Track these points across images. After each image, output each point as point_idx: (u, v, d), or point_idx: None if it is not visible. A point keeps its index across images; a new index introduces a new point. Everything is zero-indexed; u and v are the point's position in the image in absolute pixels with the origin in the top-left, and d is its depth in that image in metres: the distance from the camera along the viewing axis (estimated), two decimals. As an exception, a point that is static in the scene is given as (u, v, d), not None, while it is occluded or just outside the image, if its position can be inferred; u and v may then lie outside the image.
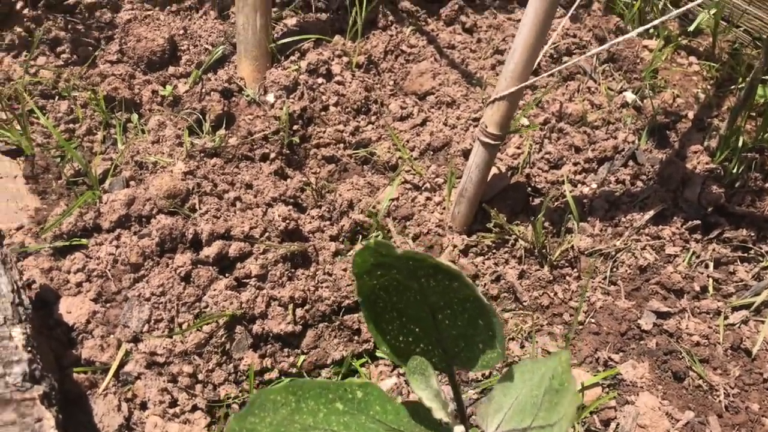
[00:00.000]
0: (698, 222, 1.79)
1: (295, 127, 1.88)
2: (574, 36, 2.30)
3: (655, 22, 1.26)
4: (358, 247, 1.68)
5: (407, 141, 1.95)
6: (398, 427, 0.91)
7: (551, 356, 0.89)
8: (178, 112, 1.88)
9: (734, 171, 1.90)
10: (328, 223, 1.72)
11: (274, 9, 2.15)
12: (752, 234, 1.80)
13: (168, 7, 2.20)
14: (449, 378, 1.01)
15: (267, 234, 1.55)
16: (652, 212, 1.80)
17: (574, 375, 1.43)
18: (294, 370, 1.43)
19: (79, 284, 1.48)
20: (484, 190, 1.69)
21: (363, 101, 2.00)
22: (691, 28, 2.42)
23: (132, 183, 1.68)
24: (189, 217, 1.53)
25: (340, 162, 1.91)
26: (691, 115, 2.14)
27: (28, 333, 1.19)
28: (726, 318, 1.63)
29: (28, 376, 1.12)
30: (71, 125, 1.87)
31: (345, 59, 2.07)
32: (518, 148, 1.90)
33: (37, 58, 2.00)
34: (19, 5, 2.10)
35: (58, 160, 1.80)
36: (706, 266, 1.74)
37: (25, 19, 2.06)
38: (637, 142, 1.96)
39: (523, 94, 1.85)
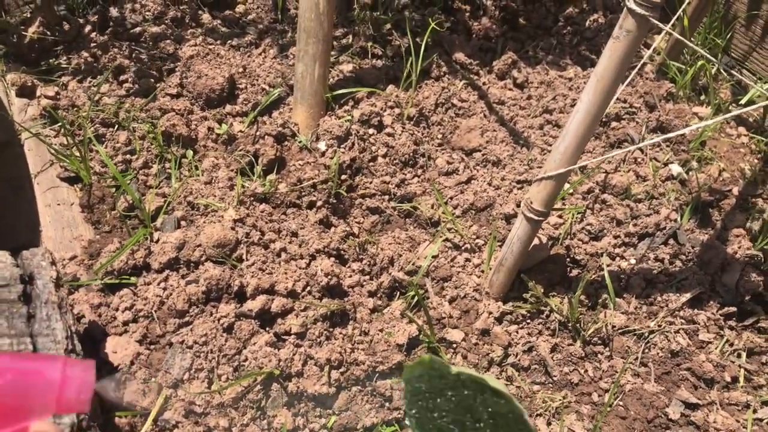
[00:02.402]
0: (734, 309, 1.80)
1: (343, 177, 1.92)
2: (625, 101, 2.31)
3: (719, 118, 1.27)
4: (395, 304, 1.71)
5: (451, 198, 1.98)
6: None
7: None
8: (232, 152, 1.94)
9: (775, 259, 1.90)
10: (367, 278, 1.76)
11: (332, 53, 2.19)
12: (788, 326, 1.80)
13: (229, 41, 2.26)
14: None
15: (309, 288, 1.59)
16: (688, 295, 1.81)
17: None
18: None
19: (126, 323, 1.54)
20: (523, 260, 1.72)
21: (411, 154, 2.03)
22: (743, 101, 2.41)
23: (183, 223, 1.73)
24: (235, 268, 1.58)
25: (383, 213, 1.95)
26: (736, 191, 2.13)
27: (79, 382, 1.24)
28: (755, 412, 1.64)
29: (76, 426, 1.17)
30: (128, 156, 1.93)
31: (397, 111, 2.10)
32: (560, 217, 1.92)
33: (101, 85, 2.07)
34: (87, 29, 2.18)
35: (113, 190, 1.86)
36: (739, 356, 1.75)
37: (92, 44, 2.14)
38: (679, 220, 1.97)
39: (569, 175, 1.87)
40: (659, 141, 2.23)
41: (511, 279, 1.75)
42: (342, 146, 1.96)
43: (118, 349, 1.49)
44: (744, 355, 1.75)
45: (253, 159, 1.92)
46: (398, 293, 1.77)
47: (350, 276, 1.72)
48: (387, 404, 1.51)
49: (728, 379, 1.68)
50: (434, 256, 1.84)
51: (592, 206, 1.97)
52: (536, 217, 1.59)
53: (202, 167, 1.89)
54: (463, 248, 1.88)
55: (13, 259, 1.36)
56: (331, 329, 1.56)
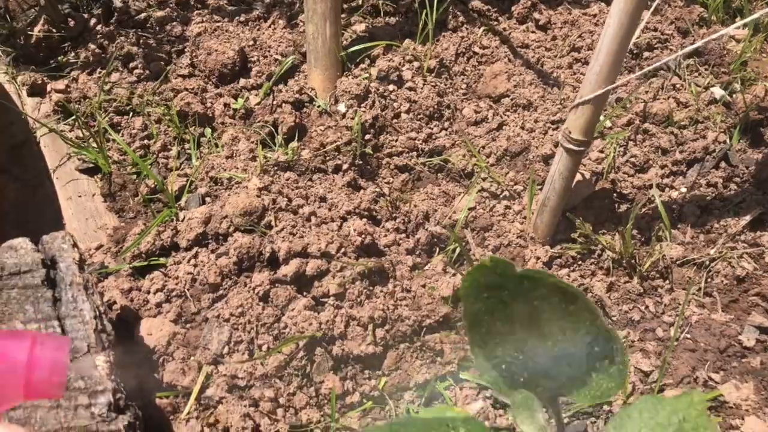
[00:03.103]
0: (800, 227, 1.67)
1: (367, 137, 1.84)
2: (655, 29, 2.19)
3: (748, 20, 1.16)
4: (435, 260, 1.63)
5: (483, 147, 1.89)
6: (499, 471, 0.85)
7: (678, 396, 0.82)
8: (251, 125, 1.87)
9: (839, 170, 1.76)
10: (403, 236, 1.68)
11: (343, 16, 2.11)
12: None
13: (237, 18, 2.20)
14: (553, 409, 0.95)
15: (343, 250, 1.51)
16: (748, 217, 1.68)
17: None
18: (376, 393, 1.39)
19: (158, 305, 1.48)
20: (567, 198, 1.61)
21: (435, 107, 1.94)
22: (782, 16, 2.26)
23: (208, 199, 1.67)
24: (265, 235, 1.51)
25: (413, 171, 1.86)
26: (786, 109, 2.00)
27: (112, 360, 1.18)
28: (836, 332, 1.51)
29: (113, 406, 1.11)
30: (146, 141, 1.88)
31: (416, 64, 2.01)
32: (601, 152, 1.81)
33: (111, 74, 2.02)
34: (92, 22, 2.13)
35: (134, 177, 1.81)
36: (812, 275, 1.62)
37: (98, 36, 2.09)
38: (728, 141, 1.85)
39: (608, 97, 1.76)
40: (697, 65, 2.10)
41: (556, 220, 1.64)
42: (362, 106, 1.87)
43: (153, 330, 1.43)
44: (816, 274, 1.62)
45: (273, 129, 1.85)
46: (437, 249, 1.68)
47: (385, 236, 1.64)
48: (438, 359, 1.43)
49: (803, 300, 1.56)
50: (471, 208, 1.74)
51: (634, 137, 1.86)
52: (576, 148, 1.49)
53: (222, 142, 1.83)
54: (501, 196, 1.78)
55: (34, 245, 1.30)
56: (371, 288, 1.48)
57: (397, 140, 1.88)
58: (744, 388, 1.41)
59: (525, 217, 1.72)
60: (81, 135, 1.87)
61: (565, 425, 1.24)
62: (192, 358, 1.39)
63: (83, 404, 1.09)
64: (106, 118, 1.89)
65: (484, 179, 1.81)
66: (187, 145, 1.88)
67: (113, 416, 1.10)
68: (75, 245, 1.35)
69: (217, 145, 1.85)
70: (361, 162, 1.81)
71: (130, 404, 1.16)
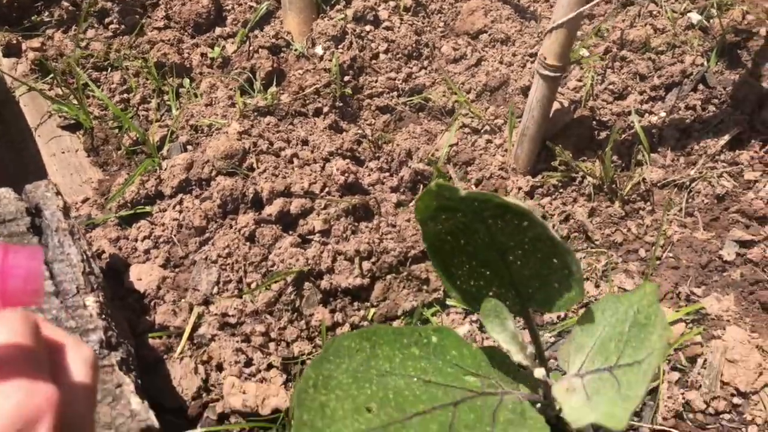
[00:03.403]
0: (779, 144, 1.69)
1: (346, 79, 1.84)
2: (631, -42, 2.17)
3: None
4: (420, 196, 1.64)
5: (462, 84, 1.89)
6: (476, 371, 0.88)
7: (634, 290, 0.85)
8: (229, 73, 1.87)
9: (816, 87, 1.77)
10: (387, 174, 1.69)
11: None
12: (839, 152, 1.68)
13: (209, -32, 2.17)
14: (525, 320, 0.97)
15: (327, 189, 1.53)
16: (727, 137, 1.70)
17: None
18: (365, 323, 1.42)
19: (147, 251, 1.49)
20: (546, 127, 1.62)
21: (413, 46, 1.93)
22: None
23: (189, 147, 1.67)
24: (248, 177, 1.52)
25: (394, 111, 1.86)
26: (763, 31, 1.99)
27: (102, 301, 1.20)
28: (815, 243, 1.54)
29: (105, 343, 1.13)
30: (125, 95, 1.87)
31: (392, 3, 2.00)
32: (579, 80, 1.82)
33: (87, 31, 2.01)
34: (63, -20, 2.10)
35: (116, 131, 1.81)
36: (790, 190, 1.64)
37: (70, -7, 2.07)
38: (706, 64, 1.85)
39: (581, 23, 1.76)
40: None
41: (537, 149, 1.66)
42: (339, 47, 1.87)
43: (143, 276, 1.45)
44: (796, 188, 1.64)
45: (251, 75, 1.84)
46: (421, 186, 1.69)
47: (369, 175, 1.65)
48: (425, 287, 1.45)
49: (782, 214, 1.58)
50: (453, 144, 1.75)
51: (612, 64, 1.86)
52: (552, 74, 1.49)
53: (200, 90, 1.83)
54: (482, 131, 1.79)
55: (17, 194, 1.31)
56: (356, 224, 1.50)
57: (376, 81, 1.88)
58: (725, 300, 1.44)
59: (506, 150, 1.73)
60: (61, 92, 1.87)
61: (539, 334, 1.27)
62: (183, 300, 1.42)
63: (76, 342, 1.10)
64: (85, 75, 1.88)
65: (464, 115, 1.81)
66: (166, 97, 1.88)
67: (105, 353, 1.12)
68: (59, 193, 1.36)
69: (196, 95, 1.85)
70: (341, 104, 1.82)
71: (121, 341, 1.18)
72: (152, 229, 1.52)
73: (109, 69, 1.94)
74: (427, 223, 0.89)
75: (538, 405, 0.92)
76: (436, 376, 0.83)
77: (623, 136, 1.74)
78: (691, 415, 1.28)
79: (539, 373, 0.91)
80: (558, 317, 1.44)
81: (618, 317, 0.85)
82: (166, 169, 1.58)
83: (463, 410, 0.79)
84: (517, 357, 0.91)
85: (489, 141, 1.77)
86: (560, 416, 0.93)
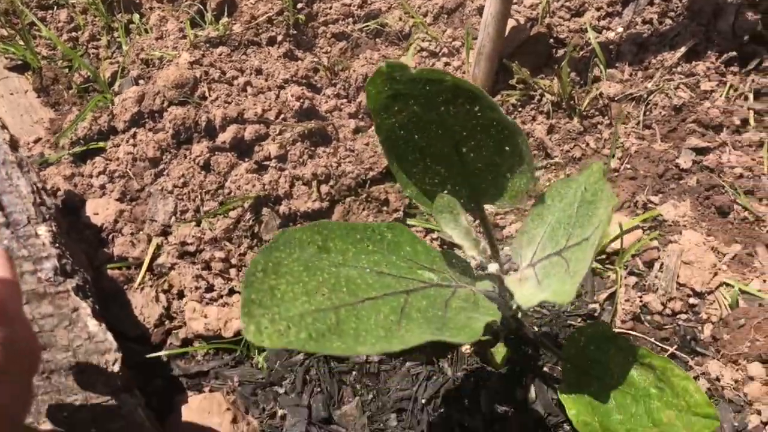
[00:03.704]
0: (734, 54, 1.68)
1: (299, 6, 1.80)
2: None
3: None
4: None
5: (419, 7, 1.86)
6: (431, 266, 0.88)
7: (583, 170, 0.85)
8: (179, 6, 1.81)
9: (771, -5, 1.77)
10: (345, 101, 1.67)
11: None
12: (794, 59, 1.69)
13: None
14: (479, 215, 0.97)
15: (282, 115, 1.50)
16: (683, 49, 1.69)
17: (612, 219, 1.38)
18: (326, 245, 1.41)
19: (102, 186, 1.47)
20: (503, 44, 1.61)
21: (368, -28, 1.89)
22: None
23: (141, 81, 1.64)
24: (200, 106, 1.49)
25: (351, 38, 1.83)
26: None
27: (54, 230, 1.18)
28: (770, 148, 1.55)
29: (59, 270, 1.11)
30: (74, 33, 1.82)
31: (344, -71, 1.95)
32: (536, -2, 1.80)
33: (28, -31, 1.93)
34: None
35: (66, 70, 1.76)
36: (746, 98, 1.65)
37: (9, -69, 1.98)
38: (663, -23, 1.83)
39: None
40: None
41: (494, 67, 1.64)
42: (292, -26, 1.82)
43: (99, 210, 1.43)
44: (751, 97, 1.65)
45: (201, 6, 1.80)
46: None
47: (326, 102, 1.62)
48: (385, 208, 1.45)
49: (737, 122, 1.59)
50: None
51: (568, -19, 1.84)
52: (505, -13, 1.47)
53: (150, 24, 1.78)
54: (440, 54, 1.77)
55: (-40, 129, 1.28)
56: (313, 149, 1.48)
57: (331, 8, 1.84)
58: (681, 206, 1.45)
59: (465, 72, 1.71)
60: (6, 33, 1.81)
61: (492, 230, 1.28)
62: (141, 231, 1.40)
63: (28, 270, 1.10)
64: (30, 13, 1.82)
65: (422, 39, 1.79)
66: (116, 33, 1.83)
67: (60, 279, 1.11)
68: (4, 126, 1.33)
69: (146, 30, 1.80)
70: (295, 32, 1.78)
71: (77, 269, 1.17)
72: (107, 164, 1.49)
73: (55, 7, 1.88)
74: (380, 113, 0.88)
75: (492, 298, 0.93)
76: (390, 268, 0.83)
77: (581, 53, 1.73)
78: (648, 317, 1.30)
79: (493, 267, 0.92)
80: (515, 213, 1.45)
81: (567, 200, 0.85)
82: (117, 104, 1.55)
83: (415, 297, 0.79)
84: (471, 252, 0.92)
85: (447, 63, 1.75)
86: (513, 305, 0.94)
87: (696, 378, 1.21)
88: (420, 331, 0.73)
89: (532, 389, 1.18)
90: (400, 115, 0.88)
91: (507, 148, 0.87)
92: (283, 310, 0.69)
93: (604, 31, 1.78)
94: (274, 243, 0.76)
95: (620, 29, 1.77)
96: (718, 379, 1.21)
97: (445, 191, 0.95)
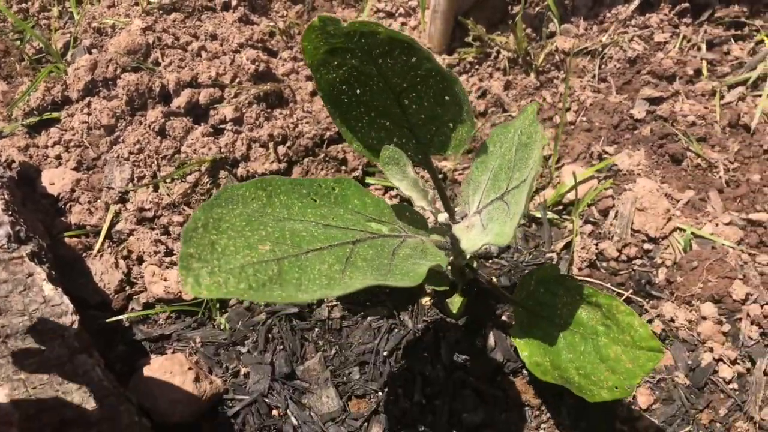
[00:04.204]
0: (687, 5, 1.70)
1: (253, -30, 1.78)
2: None
3: None
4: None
5: (374, -32, 1.85)
6: (379, 218, 0.89)
7: (517, 115, 0.86)
8: (130, -27, 1.79)
9: (722, -54, 1.78)
10: (302, 63, 1.66)
11: None
12: (744, 9, 1.71)
13: None
14: (427, 167, 0.99)
15: (237, 79, 1.49)
16: (637, 1, 1.71)
17: (568, 169, 1.40)
18: (285, 207, 1.42)
19: (58, 156, 1.46)
20: (458, 2, 1.61)
21: (321, -67, 1.87)
22: None
23: (93, 50, 1.61)
24: (153, 72, 1.47)
25: (306, 1, 1.82)
26: None
27: (6, 198, 1.17)
28: (722, 97, 1.58)
29: (13, 237, 1.11)
30: (23, 5, 1.79)
31: None
32: (490, -45, 1.79)
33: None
34: None
35: (17, 42, 1.73)
36: (699, 49, 1.67)
37: None
38: (616, -69, 1.84)
39: None
40: None
41: (450, 25, 1.64)
42: (244, -63, 1.80)
43: (55, 180, 1.42)
44: (704, 47, 1.67)
45: (154, -27, 1.77)
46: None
47: (283, 65, 1.62)
48: (343, 167, 1.45)
49: (691, 72, 1.62)
50: (368, 29, 1.72)
51: (522, -63, 1.83)
52: (456, -58, 1.47)
53: (101, -8, 1.75)
54: (396, 14, 1.77)
55: None
56: (269, 111, 1.48)
57: (285, -29, 1.82)
58: (636, 155, 1.47)
59: (422, 31, 1.71)
60: (-48, 6, 1.77)
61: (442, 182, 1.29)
62: (98, 200, 1.39)
63: (-19, 239, 1.08)
64: (-24, -15, 1.78)
65: (377, 0, 1.78)
66: (67, 3, 1.79)
67: (14, 246, 1.10)
68: (-49, 97, 1.31)
69: (98, 0, 1.77)
70: (250, -4, 1.76)
71: (32, 236, 1.16)
72: (62, 134, 1.48)
73: (3, -22, 1.83)
74: (319, 69, 0.89)
75: (444, 248, 0.94)
76: (337, 221, 0.84)
77: (536, 8, 1.74)
78: (604, 264, 1.32)
79: (442, 217, 0.93)
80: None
81: (506, 146, 0.87)
82: (70, 74, 1.53)
83: (362, 247, 0.80)
84: (420, 203, 0.93)
85: (404, 24, 1.74)
86: (464, 255, 0.96)
87: (650, 321, 1.24)
88: (363, 277, 0.75)
89: (491, 337, 1.21)
90: (340, 70, 0.88)
91: (447, 97, 0.88)
92: (224, 263, 0.69)
93: (559, -14, 1.78)
94: (215, 199, 0.76)
95: (575, -16, 1.77)
96: (672, 321, 1.24)
97: (392, 144, 0.95)
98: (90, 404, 0.94)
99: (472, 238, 0.85)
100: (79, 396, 0.95)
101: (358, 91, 0.92)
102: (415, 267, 0.79)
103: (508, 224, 0.76)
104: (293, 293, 0.71)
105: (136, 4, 1.69)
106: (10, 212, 1.15)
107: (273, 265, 0.73)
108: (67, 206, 1.39)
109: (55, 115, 1.52)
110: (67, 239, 1.32)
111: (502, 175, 0.85)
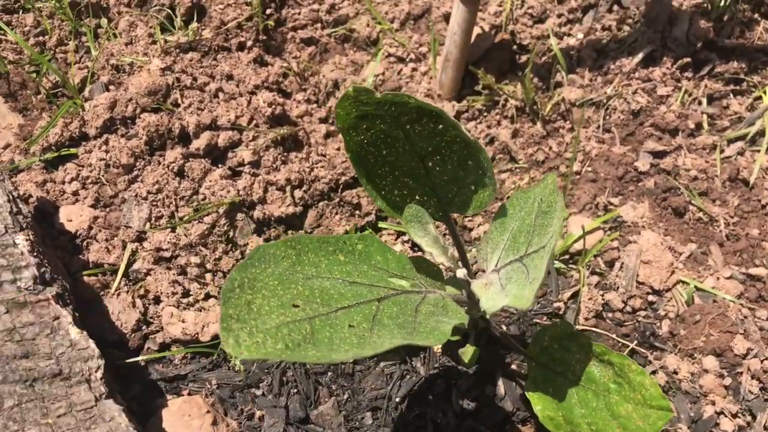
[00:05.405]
0: (688, 60, 1.76)
1: (268, 11, 1.82)
2: None
3: None
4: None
5: (386, 13, 1.90)
6: (401, 274, 0.92)
7: (537, 183, 0.90)
8: (147, 11, 1.83)
9: (721, 4, 1.84)
10: (315, 106, 1.70)
11: None
12: (743, 66, 1.77)
13: None
14: (447, 224, 1.02)
15: (254, 121, 1.53)
16: (641, 55, 1.77)
17: (574, 220, 1.45)
18: (299, 249, 1.45)
19: (75, 193, 1.48)
20: (469, 51, 1.66)
21: (335, -23, 1.93)
22: None
23: (111, 87, 1.65)
24: (173, 113, 1.51)
25: (319, 43, 1.86)
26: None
27: (32, 239, 1.20)
28: (722, 151, 1.63)
29: (39, 279, 1.13)
30: (41, 38, 1.82)
31: (311, -65, 1.98)
32: (500, 5, 1.85)
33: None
34: None
35: (34, 75, 1.76)
36: (699, 103, 1.73)
37: (-27, -66, 1.97)
38: (621, -15, 1.90)
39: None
40: None
41: (461, 74, 1.69)
42: (261, -20, 1.85)
43: (73, 216, 1.44)
44: (705, 101, 1.73)
45: (171, 12, 1.81)
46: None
47: (296, 107, 1.66)
48: (357, 212, 1.49)
49: (692, 126, 1.67)
50: (380, 73, 1.77)
51: (530, -11, 1.90)
52: (470, -3, 1.52)
53: (119, 30, 1.79)
54: (407, 59, 1.81)
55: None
56: (285, 155, 1.52)
57: (299, 13, 1.87)
58: (640, 207, 1.52)
59: (432, 77, 1.76)
60: (-30, 38, 1.80)
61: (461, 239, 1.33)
62: (115, 238, 1.42)
63: (8, 280, 1.11)
64: (-5, 18, 1.81)
65: (389, 45, 1.83)
66: (84, 38, 1.83)
67: (40, 288, 1.13)
68: (-24, 136, 1.33)
69: (115, 35, 1.80)
70: (265, 38, 1.81)
71: (56, 277, 1.19)
72: (79, 170, 1.51)
73: (21, 11, 1.87)
74: (349, 132, 0.92)
75: (460, 301, 0.97)
76: (362, 278, 0.88)
77: (543, 58, 1.79)
78: (610, 314, 1.36)
79: (461, 273, 0.96)
80: (480, 225, 1.50)
81: (526, 210, 0.91)
82: (88, 110, 1.56)
83: (387, 305, 0.84)
84: (440, 259, 0.96)
85: (414, 69, 1.79)
86: (480, 308, 0.99)
87: (654, 372, 1.28)
88: (391, 336, 0.78)
89: (501, 386, 1.24)
90: (368, 133, 0.92)
91: (470, 162, 0.92)
92: (260, 323, 0.73)
93: (565, 37, 1.84)
94: (249, 259, 0.80)
95: (580, 35, 1.83)
96: (675, 372, 1.27)
97: (413, 202, 0.99)
98: (116, 450, 0.96)
99: (492, 298, 0.89)
100: (105, 441, 0.97)
101: (384, 152, 0.96)
102: (439, 325, 0.83)
103: (527, 288, 0.80)
104: (326, 353, 0.74)
105: (154, 42, 1.73)
106: (35, 253, 1.17)
107: (306, 325, 0.76)
108: (85, 243, 1.41)
109: (72, 150, 1.54)
110: (85, 278, 1.35)
111: (521, 238, 0.89)
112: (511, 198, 0.97)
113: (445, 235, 1.41)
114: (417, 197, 0.99)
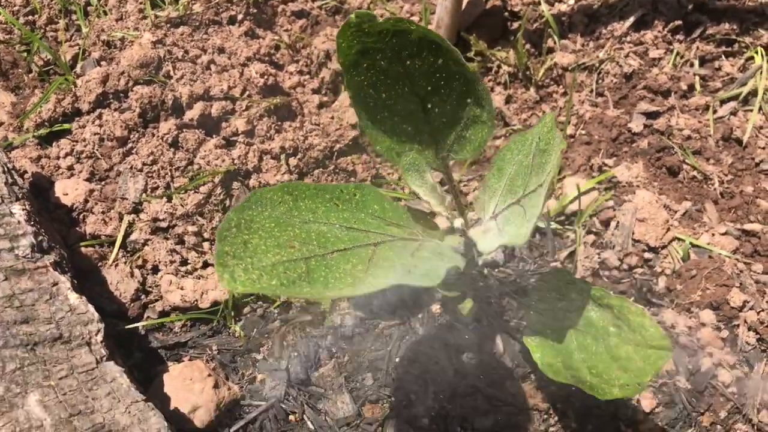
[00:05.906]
0: (679, 22, 1.76)
1: (258, -15, 1.82)
2: None
3: None
4: (342, 96, 1.66)
5: (376, -16, 1.89)
6: (398, 223, 0.93)
7: (537, 123, 0.90)
8: (137, -13, 1.82)
9: (712, -34, 1.85)
10: (308, 77, 1.70)
11: None
12: (734, 27, 1.77)
13: None
14: (445, 173, 1.02)
15: (247, 92, 1.53)
16: (632, 19, 1.77)
17: (569, 181, 1.45)
18: (296, 217, 1.45)
19: (70, 167, 1.48)
20: (460, 18, 1.66)
21: (325, -50, 1.92)
22: None
23: (103, 63, 1.64)
24: (165, 84, 1.51)
25: (310, 15, 1.86)
26: None
27: (28, 209, 1.20)
28: (715, 111, 1.63)
29: (36, 247, 1.13)
30: (30, 17, 1.81)
31: None
32: (490, -27, 1.85)
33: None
34: None
35: (25, 54, 1.76)
36: (692, 65, 1.73)
37: None
38: (611, -49, 1.90)
39: None
40: None
41: (452, 41, 1.69)
42: (250, -46, 1.84)
43: (68, 190, 1.44)
44: (697, 63, 1.73)
45: (161, -13, 1.80)
46: (342, 86, 1.71)
47: (289, 78, 1.65)
48: (352, 178, 1.49)
49: (685, 87, 1.67)
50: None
51: (520, -44, 1.89)
52: (460, -39, 1.52)
53: (109, 6, 1.78)
54: (398, 29, 1.81)
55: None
56: (279, 124, 1.51)
57: (289, -14, 1.86)
58: (634, 167, 1.52)
59: (424, 46, 1.76)
60: (-41, 19, 1.79)
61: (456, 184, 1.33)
62: (112, 210, 1.42)
63: (5, 248, 1.11)
64: (-17, -2, 1.81)
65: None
66: (74, 17, 1.82)
67: (38, 256, 1.13)
68: (-31, 109, 1.33)
69: (105, 12, 1.80)
70: (255, 11, 1.80)
71: (53, 246, 1.19)
72: (73, 145, 1.50)
73: (10, -9, 1.86)
74: (350, 70, 0.93)
75: (458, 250, 0.98)
76: (359, 224, 0.88)
77: (535, 24, 1.79)
78: (606, 272, 1.37)
79: (458, 222, 0.97)
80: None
81: (524, 152, 0.91)
82: (81, 86, 1.55)
83: (383, 249, 0.84)
84: (437, 208, 0.97)
85: (406, 39, 1.79)
86: (477, 257, 1.00)
87: (652, 326, 1.28)
88: (386, 277, 0.78)
89: (500, 344, 1.24)
90: (369, 73, 0.92)
91: (469, 99, 0.92)
92: (256, 260, 0.74)
93: (557, 3, 1.84)
94: (246, 202, 0.80)
95: (572, 1, 1.83)
96: (673, 327, 1.28)
97: (413, 150, 0.99)
98: (119, 410, 0.97)
99: (489, 239, 0.89)
100: (108, 402, 0.97)
101: (383, 95, 0.96)
102: (434, 268, 0.83)
103: (525, 226, 0.81)
104: (321, 290, 0.75)
105: (144, 17, 1.72)
106: (32, 222, 1.17)
107: (301, 264, 0.77)
108: (81, 216, 1.41)
109: (66, 126, 1.54)
110: (82, 249, 1.35)
111: (519, 181, 0.90)
112: (509, 141, 0.97)
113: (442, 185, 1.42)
114: (416, 145, 0.99)
